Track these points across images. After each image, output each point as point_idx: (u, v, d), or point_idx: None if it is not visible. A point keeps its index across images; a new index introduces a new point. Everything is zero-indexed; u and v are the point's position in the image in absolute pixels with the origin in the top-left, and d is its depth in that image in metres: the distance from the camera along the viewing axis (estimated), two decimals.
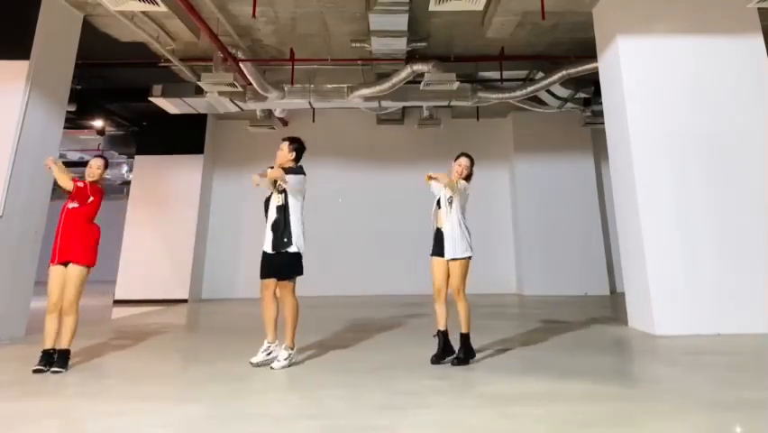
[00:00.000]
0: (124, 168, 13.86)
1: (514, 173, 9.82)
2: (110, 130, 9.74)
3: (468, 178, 3.72)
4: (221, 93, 7.09)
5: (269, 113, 8.96)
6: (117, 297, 8.83)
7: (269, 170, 3.47)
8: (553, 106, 8.35)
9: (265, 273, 3.57)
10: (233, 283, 9.56)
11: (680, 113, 4.97)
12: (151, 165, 9.49)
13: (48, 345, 3.41)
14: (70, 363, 3.45)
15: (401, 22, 5.69)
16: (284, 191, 3.52)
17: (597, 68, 5.93)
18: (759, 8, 5.00)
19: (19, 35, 5.00)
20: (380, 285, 9.43)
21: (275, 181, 3.52)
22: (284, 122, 9.97)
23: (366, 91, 7.21)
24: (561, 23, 6.28)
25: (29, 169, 5.00)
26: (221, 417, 2.40)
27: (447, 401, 2.60)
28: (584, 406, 2.47)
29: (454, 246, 3.48)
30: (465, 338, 3.47)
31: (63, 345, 3.42)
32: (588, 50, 6.25)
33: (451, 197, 3.55)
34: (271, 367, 3.36)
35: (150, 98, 7.43)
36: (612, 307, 7.12)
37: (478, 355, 3.58)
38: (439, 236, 3.58)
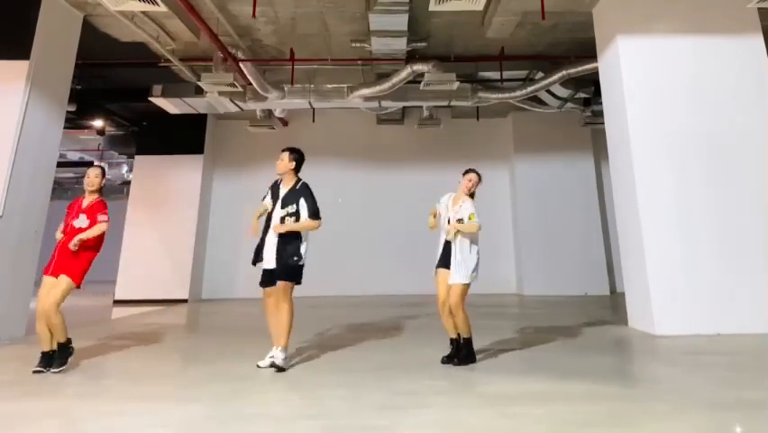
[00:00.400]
0: (124, 168, 13.88)
1: (514, 173, 9.82)
2: (110, 130, 9.74)
3: (473, 195, 3.69)
4: (221, 93, 7.09)
5: (269, 113, 8.96)
6: (117, 297, 8.83)
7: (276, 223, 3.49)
8: (553, 106, 8.35)
9: (266, 283, 3.57)
10: (233, 283, 9.56)
11: (680, 113, 4.97)
12: (151, 165, 9.49)
13: (45, 348, 3.42)
14: (72, 361, 3.45)
15: (401, 22, 5.69)
16: (296, 213, 3.52)
17: (597, 68, 5.93)
18: (759, 8, 5.00)
19: (19, 35, 5.00)
20: (380, 285, 9.43)
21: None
22: (284, 122, 9.97)
23: (366, 91, 7.21)
24: (561, 23, 6.28)
25: (29, 169, 5.00)
26: (221, 417, 2.40)
27: (447, 401, 2.60)
28: (584, 406, 2.47)
29: (458, 269, 3.45)
30: (466, 342, 3.49)
31: (59, 340, 3.43)
32: (588, 50, 6.25)
33: (460, 219, 3.51)
34: (273, 363, 3.37)
35: (150, 98, 7.43)
36: (612, 307, 7.12)
37: (478, 355, 3.58)
38: (447, 249, 3.56)
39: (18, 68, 4.94)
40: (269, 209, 3.64)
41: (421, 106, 8.58)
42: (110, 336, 4.97)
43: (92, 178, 3.68)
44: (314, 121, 9.76)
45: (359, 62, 7.22)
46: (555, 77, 7.05)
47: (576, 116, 9.16)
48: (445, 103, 7.76)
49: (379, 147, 10.28)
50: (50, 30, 5.19)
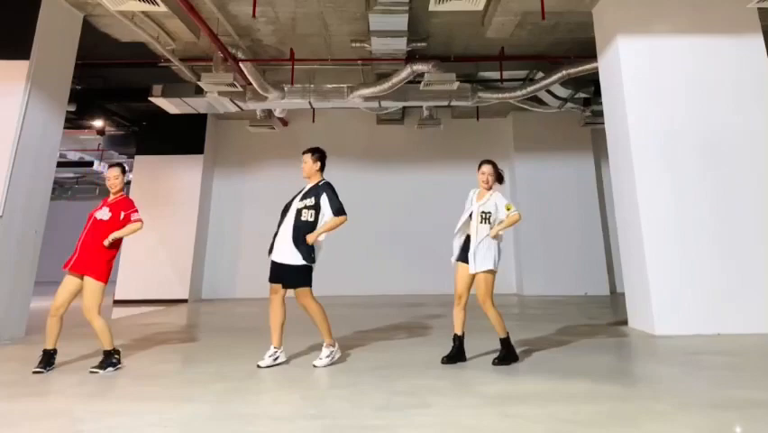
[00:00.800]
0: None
1: (514, 173, 9.81)
2: (110, 130, 9.75)
3: (500, 179, 3.63)
4: (221, 93, 7.10)
5: (269, 113, 8.95)
6: (117, 297, 8.82)
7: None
8: (553, 106, 8.35)
9: (272, 278, 3.56)
10: (233, 283, 9.57)
11: (680, 113, 4.97)
12: (151, 165, 9.48)
13: (48, 346, 3.42)
14: (113, 372, 3.42)
15: (401, 22, 5.69)
16: (314, 207, 3.52)
17: (597, 68, 5.93)
18: (759, 8, 5.00)
19: (19, 35, 5.00)
20: (380, 285, 9.43)
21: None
22: (284, 122, 9.97)
23: (366, 91, 7.21)
24: (561, 23, 6.28)
25: (29, 169, 5.00)
26: (221, 417, 2.40)
27: (447, 401, 2.59)
28: (584, 406, 2.47)
29: (475, 259, 3.43)
30: (504, 341, 3.47)
31: (104, 347, 3.46)
32: (588, 50, 6.25)
33: (488, 212, 3.48)
34: (314, 365, 3.39)
35: (150, 98, 7.42)
36: (612, 307, 7.11)
37: (477, 355, 3.58)
38: (467, 244, 3.53)
39: (18, 68, 4.94)
40: (288, 202, 3.67)
41: (421, 106, 8.57)
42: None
43: (112, 180, 3.70)
44: (314, 121, 9.77)
45: (359, 62, 7.22)
46: (555, 77, 7.04)
47: (576, 116, 9.16)
48: (445, 103, 7.76)
49: (379, 147, 10.28)
50: (50, 30, 5.19)
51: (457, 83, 6.73)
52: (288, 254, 3.46)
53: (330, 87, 7.43)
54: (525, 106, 8.39)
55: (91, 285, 3.41)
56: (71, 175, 13.75)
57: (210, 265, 9.67)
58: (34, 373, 3.30)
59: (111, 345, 3.46)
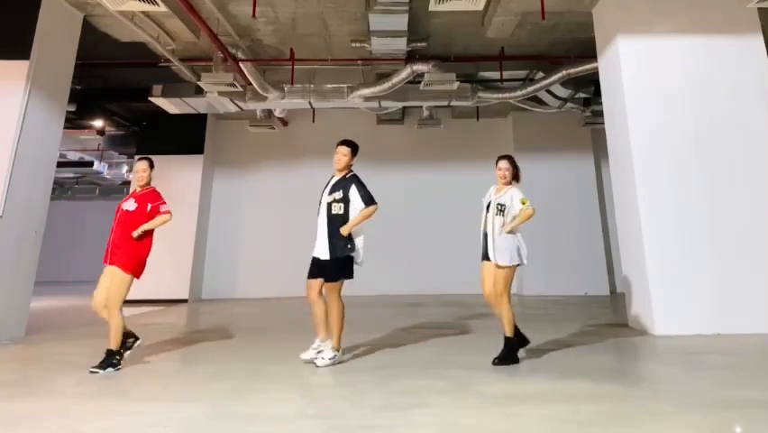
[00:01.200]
0: (124, 168, 13.89)
1: None
2: (110, 130, 9.74)
3: (516, 177, 3.65)
4: (221, 93, 7.10)
5: (269, 113, 8.96)
6: None
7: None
8: (553, 106, 8.35)
9: (311, 274, 3.59)
10: (233, 283, 9.56)
11: (680, 113, 4.96)
12: None
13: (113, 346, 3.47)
14: (111, 372, 3.42)
15: (401, 22, 5.69)
16: (342, 200, 3.54)
17: (597, 68, 5.93)
18: (759, 8, 5.00)
19: (19, 35, 5.00)
20: (380, 285, 9.41)
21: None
22: (284, 122, 9.97)
23: (366, 91, 7.21)
24: (561, 23, 6.28)
25: (29, 169, 5.01)
26: (221, 417, 2.40)
27: (447, 401, 2.59)
28: (584, 406, 2.47)
29: (494, 251, 3.44)
30: (508, 341, 3.48)
31: (109, 346, 3.47)
32: (588, 50, 6.25)
33: (502, 204, 3.48)
34: (316, 364, 3.39)
35: (150, 98, 7.42)
36: (612, 307, 7.12)
37: (478, 356, 3.58)
38: (487, 241, 3.53)
39: (18, 68, 4.94)
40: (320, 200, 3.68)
41: (421, 106, 8.57)
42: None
43: (140, 173, 3.78)
44: (314, 121, 9.77)
45: (359, 62, 7.22)
46: (555, 77, 7.04)
47: (576, 116, 9.15)
48: (445, 103, 7.76)
49: (379, 147, 10.27)
50: (50, 30, 5.19)
51: (457, 83, 6.73)
52: (326, 249, 3.50)
53: (330, 87, 7.43)
54: (525, 106, 8.38)
55: (118, 276, 3.43)
56: (71, 175, 13.75)
57: (210, 265, 9.67)
58: (92, 372, 3.32)
59: (117, 345, 3.47)
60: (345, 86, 7.42)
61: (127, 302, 3.65)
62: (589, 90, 7.91)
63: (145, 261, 3.61)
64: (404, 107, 8.97)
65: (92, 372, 3.32)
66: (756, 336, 4.25)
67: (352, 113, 9.54)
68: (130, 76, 7.63)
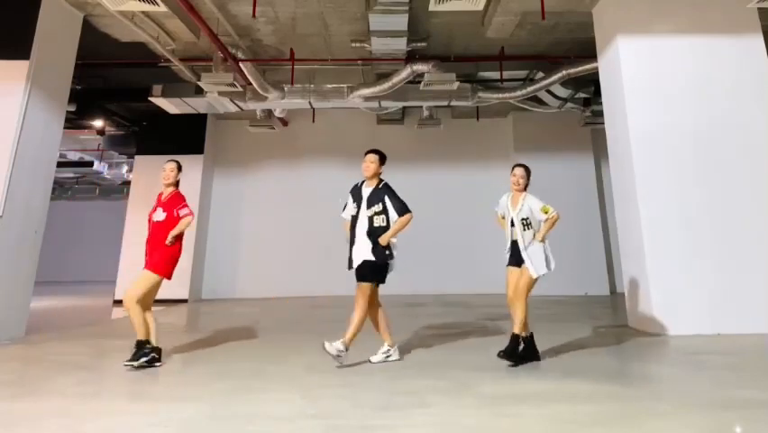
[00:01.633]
0: (124, 168, 13.90)
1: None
2: (110, 130, 9.74)
3: (525, 187, 3.74)
4: (221, 93, 7.10)
5: (269, 113, 8.95)
6: (117, 297, 8.80)
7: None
8: (553, 106, 8.35)
9: (359, 277, 3.64)
10: (233, 283, 9.55)
11: (680, 113, 4.97)
12: (151, 165, 9.45)
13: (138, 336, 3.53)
14: (149, 367, 3.45)
15: (401, 22, 5.69)
16: (383, 211, 3.66)
17: (597, 68, 5.93)
18: (759, 8, 5.00)
19: (19, 35, 5.00)
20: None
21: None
22: (284, 122, 9.97)
23: (366, 91, 7.21)
24: (561, 23, 6.28)
25: (29, 169, 5.00)
26: (221, 417, 2.40)
27: (447, 401, 2.59)
28: (584, 406, 2.47)
29: (531, 264, 3.61)
30: (515, 338, 3.49)
31: (138, 337, 3.53)
32: (588, 50, 6.25)
33: (526, 218, 3.61)
34: (324, 347, 3.39)
35: (150, 98, 7.42)
36: (612, 307, 7.11)
37: (478, 356, 3.58)
38: (515, 249, 3.64)
39: (18, 68, 4.94)
40: (354, 214, 3.74)
41: (421, 106, 8.57)
42: (110, 337, 4.97)
43: (167, 171, 3.81)
44: (314, 121, 9.76)
45: (359, 62, 7.22)
46: (555, 77, 7.04)
47: (576, 116, 9.15)
48: (445, 103, 7.76)
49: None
50: (50, 30, 5.19)
51: (457, 83, 6.73)
52: (369, 252, 3.60)
53: (330, 87, 7.43)
54: (525, 106, 8.38)
55: (145, 274, 3.55)
56: (71, 175, 13.75)
57: (210, 265, 9.67)
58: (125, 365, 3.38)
59: (143, 335, 3.50)
60: (345, 86, 7.42)
61: None
62: (589, 90, 7.91)
63: (177, 261, 3.72)
64: (404, 107, 8.96)
65: (125, 365, 3.36)
66: (756, 336, 4.25)
67: (352, 113, 9.54)
68: (130, 76, 7.63)
